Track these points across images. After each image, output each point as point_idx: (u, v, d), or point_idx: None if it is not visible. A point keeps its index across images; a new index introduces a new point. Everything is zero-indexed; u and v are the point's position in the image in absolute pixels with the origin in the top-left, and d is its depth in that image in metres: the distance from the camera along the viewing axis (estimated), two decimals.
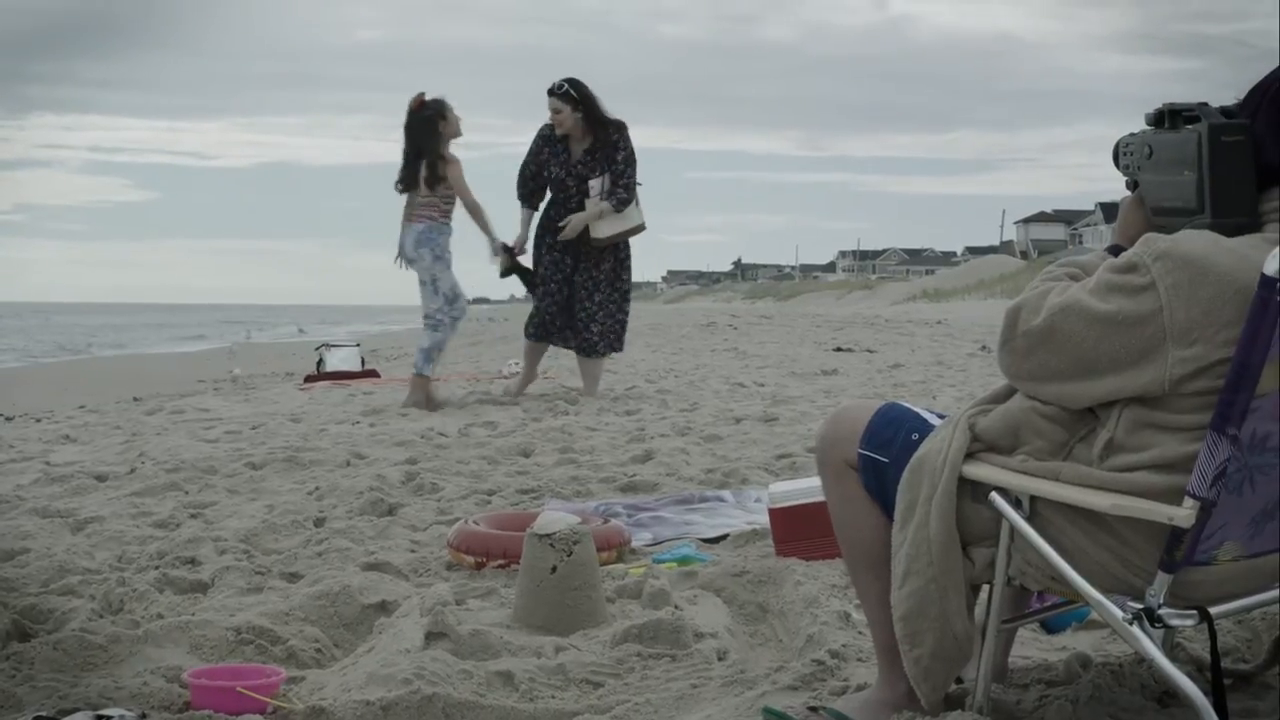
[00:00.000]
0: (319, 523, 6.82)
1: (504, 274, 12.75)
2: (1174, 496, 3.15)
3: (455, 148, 12.34)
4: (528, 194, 12.69)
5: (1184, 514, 3.12)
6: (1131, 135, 3.55)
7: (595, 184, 12.39)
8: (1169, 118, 3.45)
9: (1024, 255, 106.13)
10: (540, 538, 4.93)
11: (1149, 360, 3.15)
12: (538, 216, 12.74)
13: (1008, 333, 3.36)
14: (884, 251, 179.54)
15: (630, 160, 12.50)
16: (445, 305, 12.25)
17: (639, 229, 12.75)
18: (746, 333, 33.13)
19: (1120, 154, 3.58)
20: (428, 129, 12.13)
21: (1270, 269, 3.00)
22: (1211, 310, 3.10)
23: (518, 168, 12.73)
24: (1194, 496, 3.12)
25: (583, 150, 12.42)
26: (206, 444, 10.05)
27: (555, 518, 5.01)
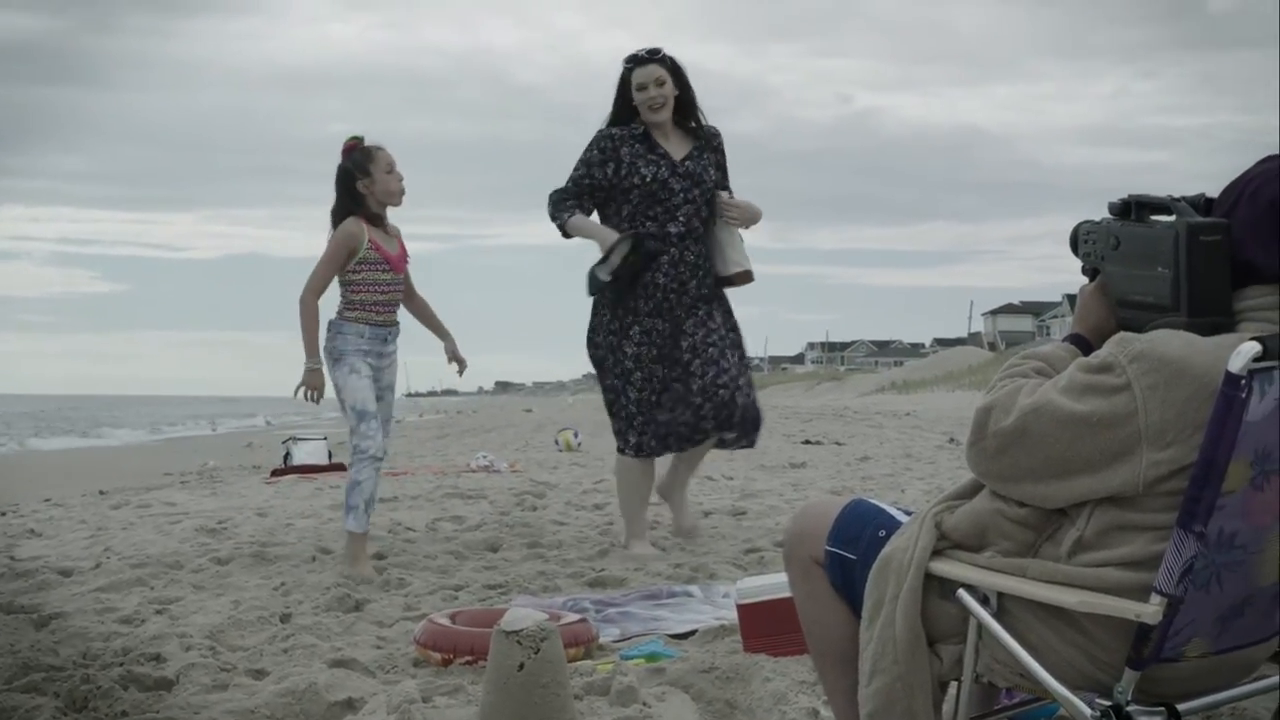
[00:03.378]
0: (285, 619, 6.77)
1: (601, 284, 8.56)
2: (1141, 593, 3.15)
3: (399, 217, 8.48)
4: (572, 206, 8.60)
5: (1151, 610, 3.12)
6: (1093, 223, 3.55)
7: (725, 197, 8.68)
8: (1135, 209, 3.46)
9: (992, 346, 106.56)
10: (507, 634, 4.90)
11: (1123, 461, 3.15)
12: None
13: (978, 433, 3.35)
14: (852, 343, 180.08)
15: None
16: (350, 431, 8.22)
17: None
18: None
19: (1080, 240, 3.58)
20: (342, 186, 8.27)
21: (1234, 366, 3.01)
22: (1187, 412, 3.10)
23: (553, 193, 8.67)
24: (1161, 593, 3.11)
25: (686, 152, 8.63)
26: (172, 539, 10.00)
27: (522, 614, 4.98)
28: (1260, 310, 3.22)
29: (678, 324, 8.51)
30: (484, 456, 18.06)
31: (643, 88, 8.46)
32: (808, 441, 24.29)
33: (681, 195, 8.48)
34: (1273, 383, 3.06)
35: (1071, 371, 3.25)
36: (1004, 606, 3.33)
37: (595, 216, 8.66)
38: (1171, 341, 3.15)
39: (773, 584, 5.63)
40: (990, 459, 3.33)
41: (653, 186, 8.44)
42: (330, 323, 8.19)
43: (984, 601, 3.35)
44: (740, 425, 8.53)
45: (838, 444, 23.51)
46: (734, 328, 8.70)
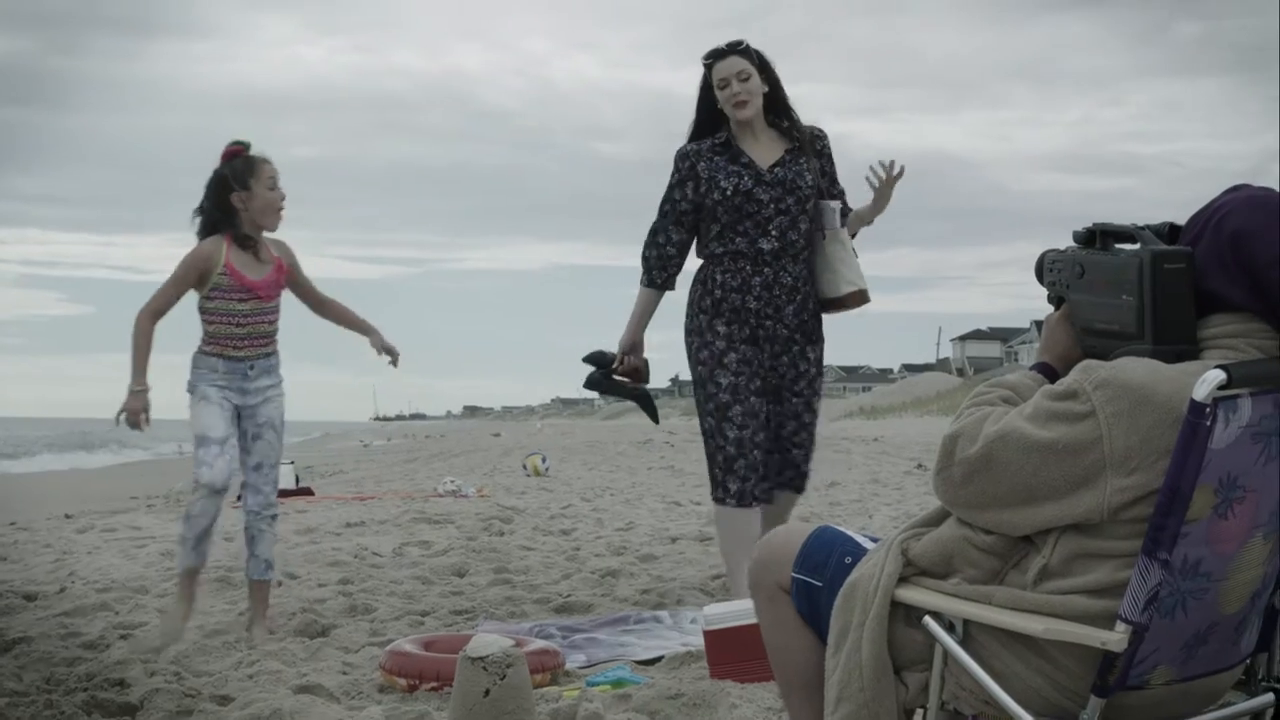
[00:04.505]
0: (251, 644, 6.75)
1: (595, 386, 7.74)
2: (1107, 621, 3.15)
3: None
4: (668, 257, 7.44)
5: (1116, 638, 3.12)
6: (1059, 252, 3.56)
7: (835, 206, 7.43)
8: (1100, 238, 3.48)
9: (960, 372, 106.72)
10: (473, 660, 4.89)
11: (1088, 488, 3.15)
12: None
13: (944, 460, 3.36)
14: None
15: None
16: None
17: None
18: (684, 450, 33.13)
19: (1046, 269, 3.59)
20: (214, 197, 7.29)
21: (1199, 394, 3.02)
22: (1151, 439, 3.11)
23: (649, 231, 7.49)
24: (1126, 621, 3.12)
25: (776, 157, 7.37)
26: (138, 563, 9.96)
27: (488, 640, 4.97)
28: (1224, 338, 3.24)
29: (774, 355, 7.32)
30: (451, 481, 18.05)
31: (724, 84, 7.26)
32: None
33: (772, 206, 7.24)
34: (1237, 410, 3.07)
35: (1037, 399, 3.26)
36: (970, 634, 3.33)
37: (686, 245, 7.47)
38: (1136, 369, 3.16)
39: (740, 610, 5.63)
40: (957, 487, 3.34)
41: (736, 200, 7.23)
42: (193, 355, 7.29)
43: (950, 628, 3.35)
44: (789, 486, 7.45)
45: None
46: (821, 372, 7.51)
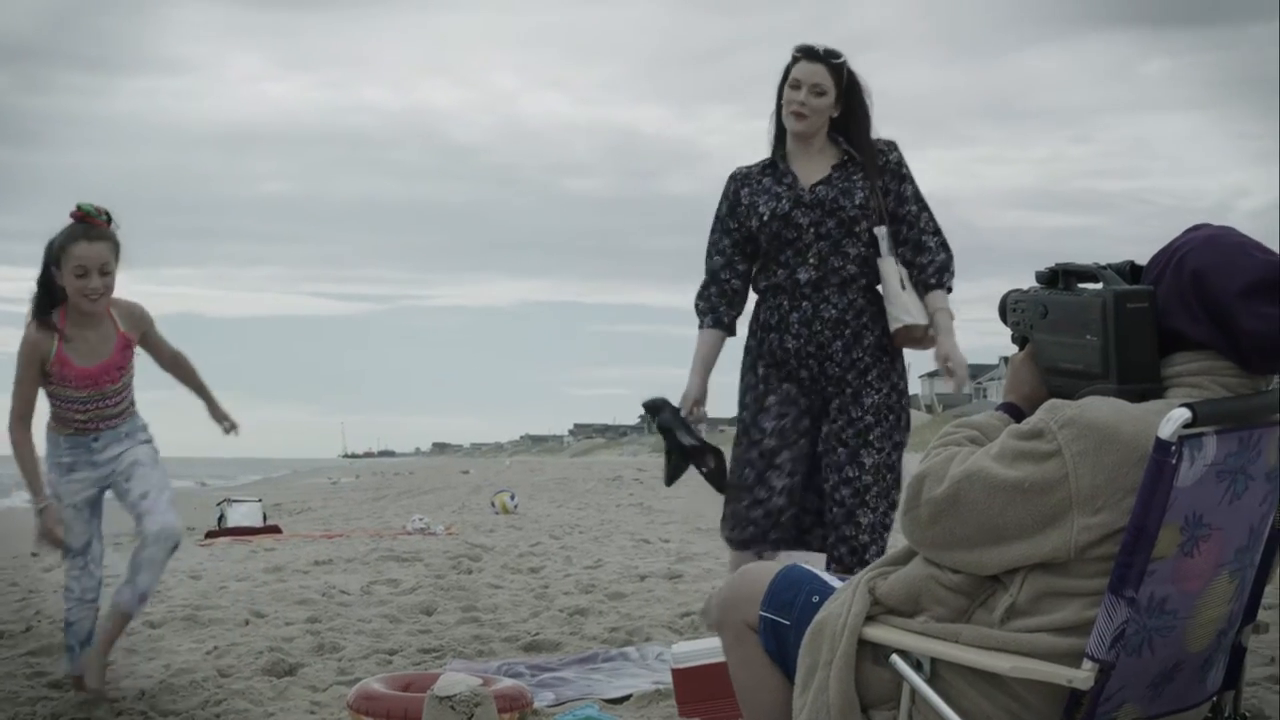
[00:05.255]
0: (218, 683, 6.72)
1: (672, 475, 6.46)
2: (1073, 659, 3.16)
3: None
4: (726, 294, 6.53)
5: (1083, 676, 3.13)
6: (1021, 292, 3.59)
7: (881, 232, 6.34)
8: (1063, 277, 3.50)
9: (929, 409, 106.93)
10: (441, 699, 4.88)
11: (1055, 527, 3.16)
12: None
13: (911, 501, 3.37)
14: None
15: (922, 198, 6.50)
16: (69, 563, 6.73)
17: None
18: (653, 487, 33.12)
19: (1009, 310, 3.61)
20: (42, 272, 6.42)
21: (1165, 432, 3.03)
22: (1116, 477, 3.12)
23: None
24: (1093, 659, 3.13)
25: (822, 174, 6.41)
26: (104, 602, 9.90)
27: (456, 679, 4.97)
28: (1188, 375, 3.26)
29: (825, 400, 6.29)
30: (420, 519, 18.00)
31: (796, 85, 6.32)
32: None
33: (811, 231, 6.26)
34: (1202, 448, 3.09)
35: (1003, 439, 3.28)
36: (937, 672, 3.34)
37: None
38: (1101, 408, 3.17)
39: (708, 648, 5.62)
40: (924, 527, 3.34)
41: (774, 226, 6.30)
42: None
43: (917, 667, 3.35)
44: (836, 546, 6.24)
45: None
46: (886, 416, 6.29)
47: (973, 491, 3.25)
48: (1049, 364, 3.48)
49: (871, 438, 6.21)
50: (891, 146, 6.41)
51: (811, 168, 6.40)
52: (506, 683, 6.00)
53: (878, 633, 3.41)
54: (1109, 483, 3.12)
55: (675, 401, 6.45)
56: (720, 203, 6.55)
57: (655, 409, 6.44)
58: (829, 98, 6.30)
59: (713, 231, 6.54)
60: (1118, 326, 3.29)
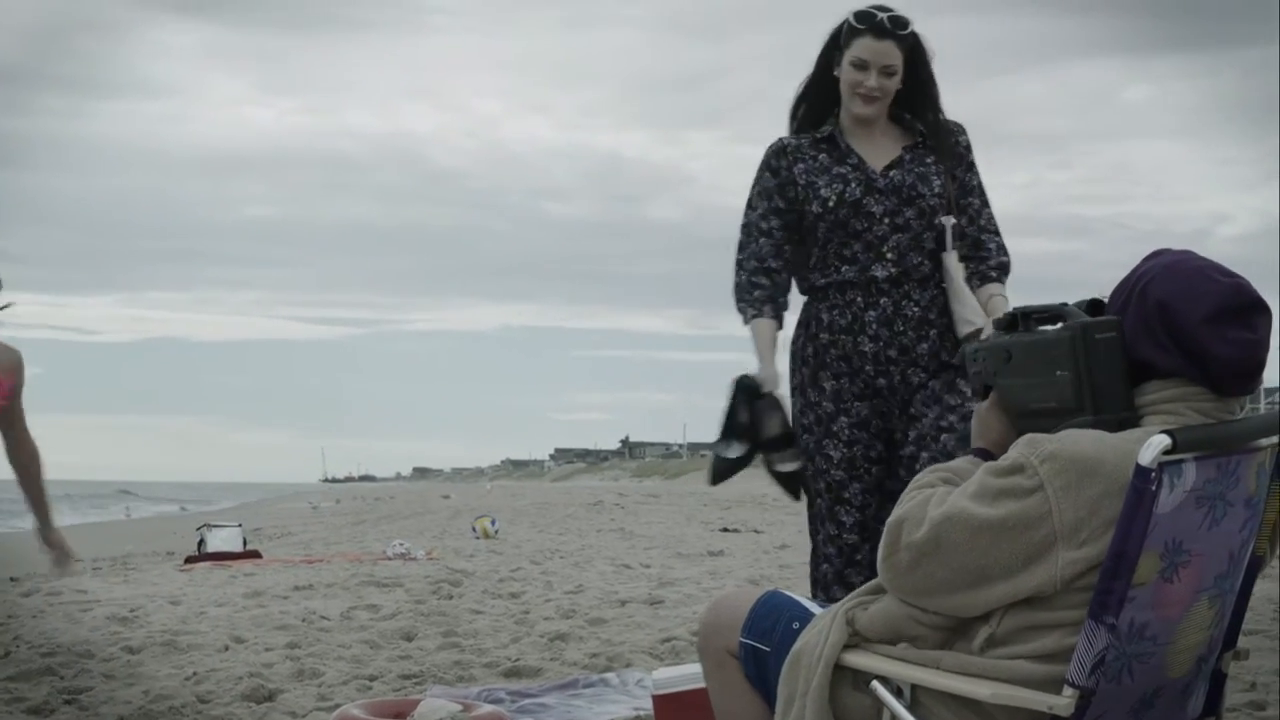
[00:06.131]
0: (197, 709, 6.70)
1: (726, 471, 5.66)
2: (1054, 685, 3.16)
3: None
4: (777, 283, 5.67)
5: (1064, 703, 3.13)
6: (978, 343, 3.61)
7: (947, 223, 5.59)
8: (1022, 320, 3.51)
9: None
10: None
11: (1039, 563, 3.15)
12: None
13: (890, 548, 3.33)
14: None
15: (984, 191, 5.83)
16: None
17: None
18: (634, 512, 33.11)
19: (969, 361, 3.61)
20: None
21: (1145, 459, 3.03)
22: (1099, 509, 3.11)
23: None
24: (1073, 685, 3.12)
25: (892, 155, 5.65)
26: (83, 627, 9.88)
27: (436, 705, 4.96)
28: (1162, 403, 3.26)
29: (903, 406, 5.54)
30: (400, 544, 17.97)
31: (862, 66, 5.50)
32: (726, 529, 24.29)
33: (887, 222, 5.52)
34: (1182, 475, 3.09)
35: (981, 477, 3.25)
36: (917, 699, 3.33)
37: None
38: (1081, 440, 3.16)
39: (688, 674, 5.61)
40: (904, 574, 3.31)
41: (841, 213, 5.51)
42: None
43: (898, 694, 3.35)
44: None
45: (756, 531, 23.52)
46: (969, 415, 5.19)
47: (954, 533, 3.22)
48: (1019, 407, 3.47)
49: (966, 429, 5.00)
50: (961, 129, 5.72)
51: (877, 148, 5.64)
52: (487, 709, 6.00)
53: (858, 659, 3.40)
54: (1092, 515, 3.11)
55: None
56: (762, 174, 5.66)
57: (751, 390, 5.56)
58: (899, 75, 5.53)
59: (753, 208, 5.65)
60: (1089, 358, 3.29)
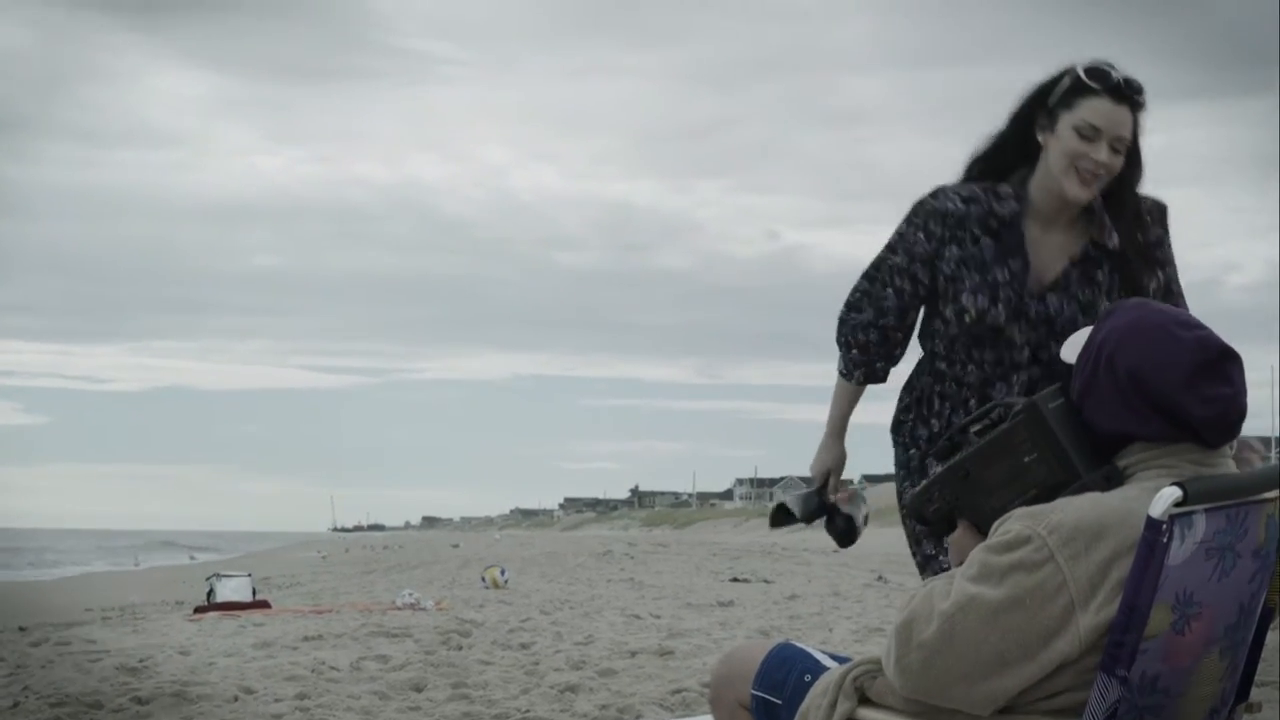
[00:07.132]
0: None
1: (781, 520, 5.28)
2: None
3: None
4: (891, 341, 4.87)
5: None
6: (926, 484, 3.53)
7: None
8: (958, 435, 3.50)
9: None
10: None
11: (1060, 636, 3.10)
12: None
13: (901, 649, 3.22)
14: (781, 478, 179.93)
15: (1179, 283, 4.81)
16: None
17: None
18: (643, 562, 33.06)
19: (923, 505, 3.55)
20: None
21: (1155, 511, 3.02)
22: (1110, 571, 3.07)
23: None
24: None
25: (1058, 267, 4.66)
26: (92, 677, 9.86)
27: None
28: (1147, 461, 3.23)
29: None
30: (410, 594, 17.95)
31: (1091, 135, 4.47)
32: (736, 579, 24.26)
33: (1027, 352, 4.67)
34: (1192, 527, 3.08)
35: (981, 556, 3.17)
36: None
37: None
38: (1081, 505, 3.13)
39: None
40: (918, 675, 3.20)
41: (975, 330, 4.67)
42: None
43: None
44: None
45: (766, 582, 23.49)
46: None
47: (967, 622, 3.12)
48: (998, 514, 3.38)
49: None
50: (1162, 212, 4.74)
51: (1052, 249, 4.67)
52: None
53: (870, 715, 3.39)
54: (1105, 578, 3.07)
55: (804, 472, 5.24)
56: (911, 231, 4.74)
57: (809, 513, 5.14)
58: (1123, 149, 4.53)
59: (893, 251, 4.78)
60: (1054, 426, 3.28)
